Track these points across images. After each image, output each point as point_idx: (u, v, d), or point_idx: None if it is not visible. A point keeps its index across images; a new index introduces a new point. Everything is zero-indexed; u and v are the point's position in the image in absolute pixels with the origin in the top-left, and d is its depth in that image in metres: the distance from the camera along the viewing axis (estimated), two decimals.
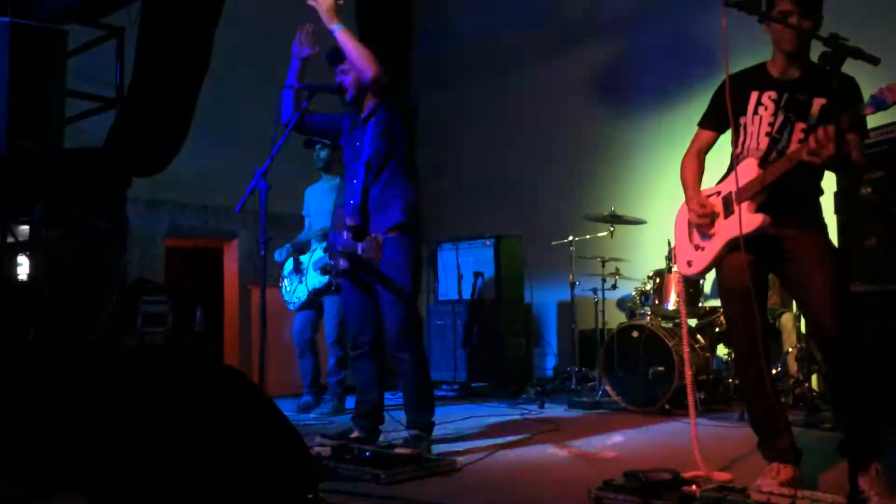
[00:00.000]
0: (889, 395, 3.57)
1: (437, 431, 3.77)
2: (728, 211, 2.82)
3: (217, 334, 6.93)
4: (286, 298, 5.47)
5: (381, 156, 3.62)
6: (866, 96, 2.47)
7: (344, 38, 3.55)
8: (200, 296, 6.59)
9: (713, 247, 2.89)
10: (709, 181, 3.01)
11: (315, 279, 5.30)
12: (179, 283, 7.03)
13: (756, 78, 2.82)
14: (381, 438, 3.83)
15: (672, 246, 3.19)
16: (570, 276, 5.89)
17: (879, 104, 2.38)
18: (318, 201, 5.43)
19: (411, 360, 3.62)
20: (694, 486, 2.49)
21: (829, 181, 2.55)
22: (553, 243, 6.12)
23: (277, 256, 5.47)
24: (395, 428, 3.92)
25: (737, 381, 4.89)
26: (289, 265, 5.51)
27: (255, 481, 2.17)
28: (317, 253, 5.34)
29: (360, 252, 3.51)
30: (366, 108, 3.70)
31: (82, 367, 2.35)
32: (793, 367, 4.88)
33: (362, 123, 3.70)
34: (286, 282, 5.51)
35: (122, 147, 3.33)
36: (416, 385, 3.66)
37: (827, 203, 2.77)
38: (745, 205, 2.73)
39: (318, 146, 5.30)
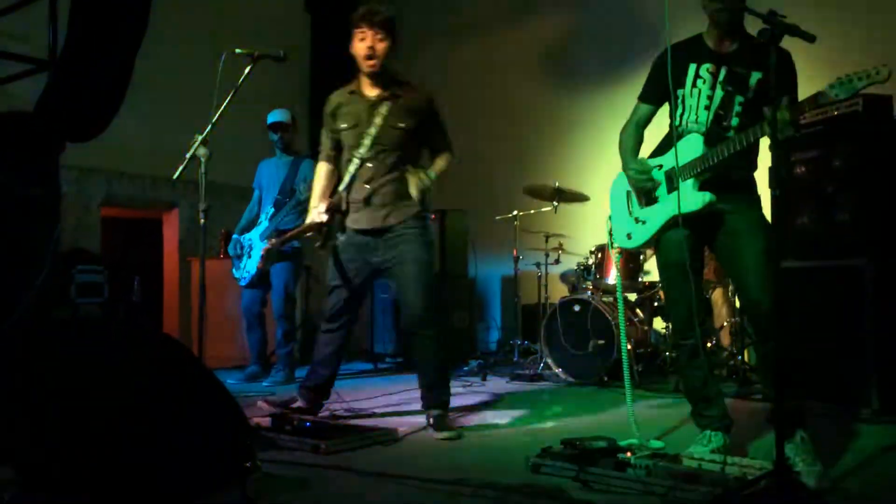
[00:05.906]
0: (814, 367, 3.70)
1: (377, 402, 3.77)
2: (670, 186, 2.85)
3: (156, 306, 6.80)
4: (236, 276, 5.36)
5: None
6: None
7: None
8: (139, 267, 6.43)
9: (654, 221, 2.92)
10: (645, 154, 3.05)
11: (261, 247, 5.19)
12: (117, 253, 6.86)
13: (694, 50, 2.84)
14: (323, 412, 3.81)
15: (608, 218, 3.21)
16: (514, 251, 5.94)
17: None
18: (271, 175, 5.36)
19: (435, 337, 3.55)
20: (629, 453, 2.55)
21: (765, 156, 2.59)
22: (497, 218, 6.15)
23: (231, 251, 5.39)
24: (336, 400, 3.91)
25: (673, 354, 5.02)
26: (232, 248, 5.41)
27: (191, 450, 2.14)
28: (262, 225, 5.24)
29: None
30: None
31: (12, 338, 2.28)
32: (726, 340, 5.02)
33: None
34: (237, 261, 5.40)
35: (55, 111, 3.19)
36: (438, 364, 3.61)
37: (761, 178, 2.82)
38: (689, 182, 2.77)
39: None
